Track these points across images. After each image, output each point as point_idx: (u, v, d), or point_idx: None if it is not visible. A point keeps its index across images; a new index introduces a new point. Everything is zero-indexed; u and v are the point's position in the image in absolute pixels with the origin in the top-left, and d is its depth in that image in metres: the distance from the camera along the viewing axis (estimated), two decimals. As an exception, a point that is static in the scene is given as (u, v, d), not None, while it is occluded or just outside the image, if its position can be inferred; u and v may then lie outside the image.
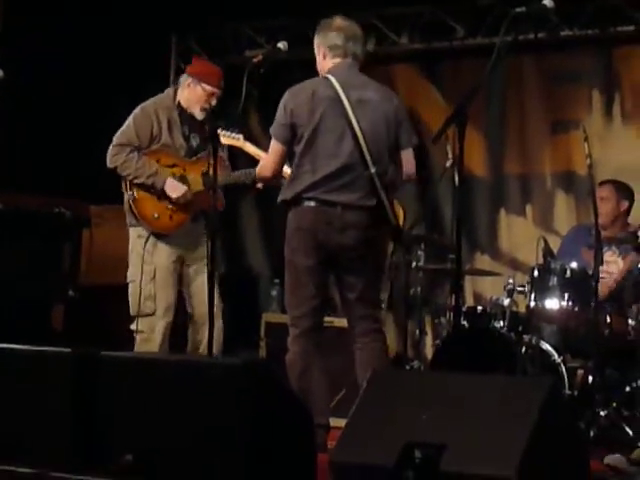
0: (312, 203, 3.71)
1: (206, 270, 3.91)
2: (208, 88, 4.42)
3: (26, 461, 2.90)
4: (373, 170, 3.69)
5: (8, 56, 5.05)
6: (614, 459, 3.49)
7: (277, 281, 5.80)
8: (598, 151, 5.23)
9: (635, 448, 3.66)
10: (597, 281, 4.27)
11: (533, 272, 4.68)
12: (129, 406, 2.90)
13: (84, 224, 5.18)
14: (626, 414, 4.28)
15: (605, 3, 5.65)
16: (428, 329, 5.93)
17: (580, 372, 4.60)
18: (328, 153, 3.71)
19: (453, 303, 3.92)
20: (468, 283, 6.08)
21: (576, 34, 5.81)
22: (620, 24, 5.72)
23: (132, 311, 4.42)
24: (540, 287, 4.60)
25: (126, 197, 4.44)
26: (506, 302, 4.85)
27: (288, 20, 6.11)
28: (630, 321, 4.53)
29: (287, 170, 3.90)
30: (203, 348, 4.33)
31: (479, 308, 5.09)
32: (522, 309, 4.88)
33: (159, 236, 4.41)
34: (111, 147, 4.42)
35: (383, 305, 4.96)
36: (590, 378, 4.40)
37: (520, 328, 4.76)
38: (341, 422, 2.87)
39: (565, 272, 4.57)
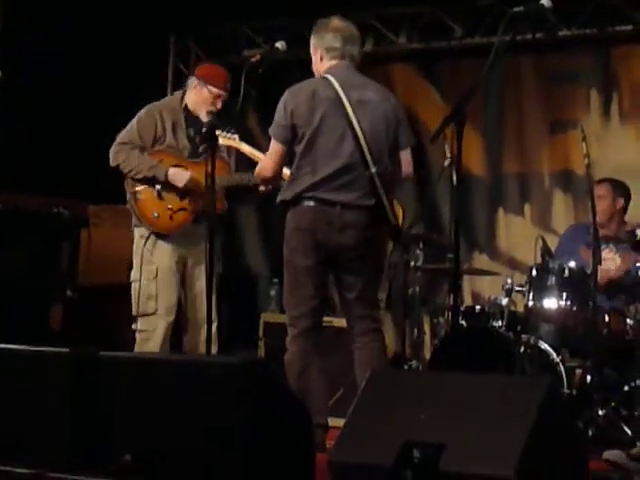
0: (311, 203, 3.70)
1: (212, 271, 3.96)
2: (214, 90, 4.44)
3: (25, 461, 2.89)
4: (374, 170, 3.69)
5: (8, 56, 5.05)
6: (613, 454, 3.49)
7: (276, 281, 5.80)
8: (596, 151, 5.24)
9: (634, 447, 3.65)
10: (595, 281, 4.28)
11: (531, 271, 4.68)
12: (128, 406, 2.90)
13: (82, 224, 5.18)
14: (624, 413, 4.28)
15: (603, 3, 5.65)
16: (426, 329, 5.93)
17: (578, 371, 4.60)
18: (329, 153, 3.71)
19: (451, 303, 3.90)
20: (466, 283, 6.08)
21: (574, 34, 5.81)
22: (618, 24, 5.73)
23: (134, 311, 4.43)
24: (538, 286, 4.61)
25: (128, 196, 4.46)
26: (504, 302, 4.85)
27: (286, 20, 6.11)
28: (628, 320, 4.53)
29: (286, 171, 3.90)
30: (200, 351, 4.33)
31: (477, 308, 5.09)
32: (520, 309, 4.88)
33: (160, 236, 4.42)
34: (113, 145, 4.45)
35: (381, 305, 4.96)
36: (588, 377, 4.39)
37: (518, 328, 4.75)
38: (339, 422, 2.87)
39: (563, 271, 4.57)
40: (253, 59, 3.91)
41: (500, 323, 4.81)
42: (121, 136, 4.44)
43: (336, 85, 3.72)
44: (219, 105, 4.44)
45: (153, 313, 4.39)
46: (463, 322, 4.89)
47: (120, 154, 4.40)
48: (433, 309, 5.96)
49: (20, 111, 5.68)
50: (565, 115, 6.01)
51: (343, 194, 3.70)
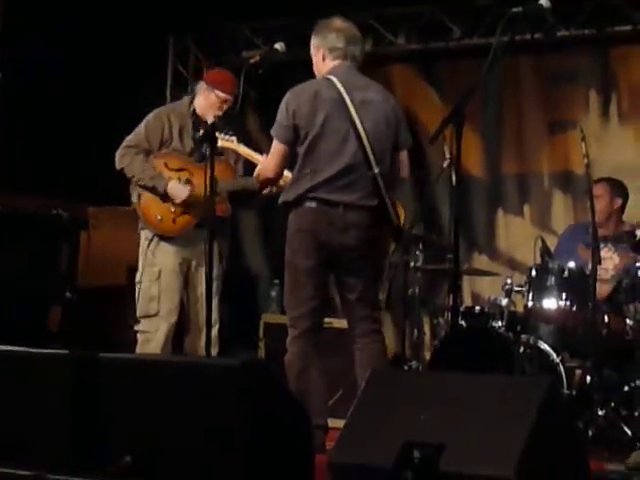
0: (314, 203, 3.70)
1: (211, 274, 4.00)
2: (221, 95, 4.46)
3: (25, 463, 2.89)
4: (376, 170, 3.70)
5: (8, 56, 5.05)
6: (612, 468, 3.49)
7: (276, 282, 5.80)
8: (595, 151, 5.23)
9: (632, 450, 3.65)
10: (595, 281, 4.28)
11: (531, 272, 4.68)
12: (128, 407, 2.89)
13: (82, 226, 5.18)
14: (624, 414, 4.27)
15: (602, 3, 5.65)
16: (426, 329, 5.93)
17: (578, 372, 4.59)
18: (332, 154, 3.70)
19: (451, 303, 3.90)
20: (466, 283, 6.08)
21: (573, 34, 5.81)
22: (617, 24, 5.72)
23: (137, 312, 4.47)
24: (538, 287, 4.60)
25: (134, 199, 4.50)
26: (504, 302, 4.85)
27: (286, 21, 6.11)
28: (628, 321, 4.53)
29: (287, 174, 3.90)
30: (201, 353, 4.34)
31: (477, 308, 5.09)
32: (520, 309, 4.87)
33: (163, 238, 4.46)
34: (120, 148, 4.49)
35: (381, 305, 4.96)
36: (588, 378, 4.39)
37: (518, 328, 4.75)
38: (339, 423, 2.86)
39: (563, 272, 4.57)
40: (252, 60, 3.91)
41: (500, 323, 4.81)
42: (128, 139, 4.49)
43: (339, 86, 3.72)
44: (225, 109, 4.48)
45: (155, 314, 4.42)
46: (463, 322, 4.89)
47: (125, 157, 4.45)
48: (433, 309, 5.96)
49: (20, 112, 5.69)
50: (564, 115, 6.01)
51: (346, 194, 3.70)
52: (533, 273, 4.65)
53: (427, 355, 5.66)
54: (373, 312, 3.85)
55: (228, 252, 4.79)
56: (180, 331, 4.53)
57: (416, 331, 5.51)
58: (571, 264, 4.59)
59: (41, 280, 4.97)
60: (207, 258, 3.64)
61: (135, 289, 4.51)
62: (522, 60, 6.10)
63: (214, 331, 4.39)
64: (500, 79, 6.07)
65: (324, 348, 3.86)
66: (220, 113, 4.43)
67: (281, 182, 4.01)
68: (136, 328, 4.47)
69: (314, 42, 3.88)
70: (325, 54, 3.83)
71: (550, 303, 4.57)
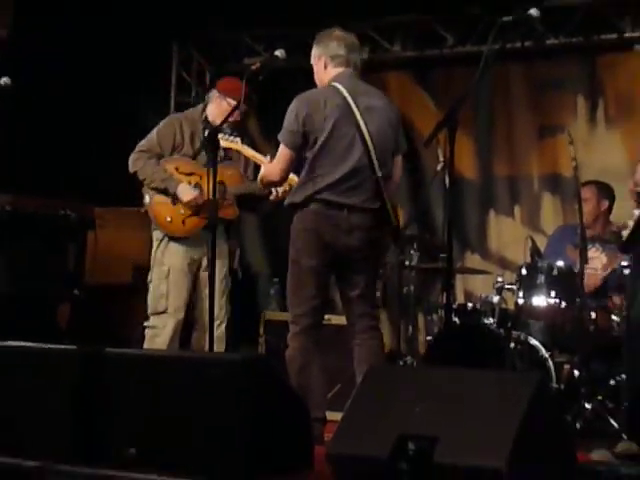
0: (320, 205, 3.71)
1: (220, 276, 4.27)
2: (233, 103, 4.46)
3: (32, 453, 2.89)
4: (379, 174, 3.71)
5: (16, 63, 5.04)
6: (600, 455, 3.48)
7: (276, 280, 5.79)
8: (583, 154, 5.23)
9: (619, 440, 3.65)
10: (582, 279, 4.27)
11: (521, 270, 4.67)
12: (133, 400, 2.89)
13: (89, 226, 5.18)
14: (611, 407, 4.28)
15: (589, 12, 5.65)
16: (421, 326, 5.93)
17: (567, 366, 4.59)
18: (339, 158, 3.71)
19: (444, 301, 3.90)
20: (459, 281, 6.08)
21: (561, 42, 5.81)
22: (604, 33, 5.73)
23: (148, 309, 4.52)
24: (528, 285, 4.60)
25: (147, 201, 4.54)
26: (495, 299, 4.85)
27: (286, 29, 6.10)
28: (614, 317, 4.54)
29: (292, 177, 3.90)
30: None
31: (469, 305, 5.09)
32: (511, 306, 4.87)
33: (173, 239, 4.50)
34: (133, 153, 4.54)
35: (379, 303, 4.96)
36: (576, 372, 4.40)
37: (509, 324, 4.75)
38: (337, 415, 2.86)
39: (552, 270, 4.57)
40: (253, 67, 3.91)
41: (491, 320, 4.81)
42: (141, 144, 4.54)
43: (345, 93, 3.73)
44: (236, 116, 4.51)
45: (164, 311, 4.46)
46: (456, 319, 4.89)
47: (138, 162, 4.50)
48: (427, 307, 5.96)
49: (31, 119, 5.69)
50: (553, 120, 6.01)
51: (350, 197, 3.71)
52: (523, 272, 4.65)
53: (422, 351, 5.66)
54: (372, 309, 3.85)
55: (240, 251, 4.86)
56: (188, 328, 4.55)
57: (411, 328, 5.51)
58: (560, 263, 4.60)
59: (50, 278, 4.97)
60: (210, 255, 3.65)
61: (143, 287, 4.56)
62: (513, 67, 6.10)
63: (221, 328, 4.43)
64: (492, 86, 6.06)
65: (323, 344, 3.86)
66: (231, 120, 4.47)
67: (286, 186, 4.04)
68: (145, 324, 4.52)
69: (315, 51, 3.88)
70: (327, 62, 3.83)
71: (540, 300, 4.56)
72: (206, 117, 4.57)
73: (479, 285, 5.91)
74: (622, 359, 3.92)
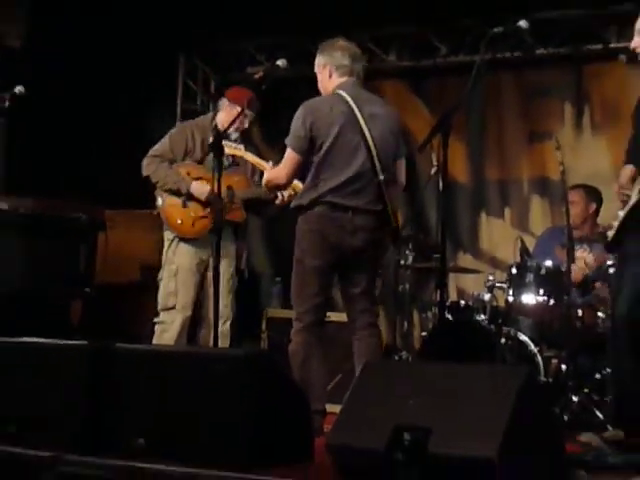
0: (326, 207, 3.71)
1: (227, 275, 4.34)
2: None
3: (44, 444, 2.89)
4: (382, 177, 3.72)
5: (29, 70, 5.05)
6: (587, 437, 3.48)
7: (278, 279, 5.79)
8: (570, 159, 5.24)
9: (605, 430, 3.65)
10: (569, 278, 4.28)
11: (511, 269, 4.68)
12: (142, 393, 2.90)
13: (100, 227, 5.19)
14: (597, 399, 4.28)
15: (576, 24, 5.66)
16: (416, 322, 5.94)
17: (554, 361, 4.59)
18: (344, 163, 3.72)
19: (438, 298, 3.91)
20: (452, 280, 6.08)
21: (549, 52, 5.82)
22: (590, 43, 5.74)
23: (158, 305, 4.55)
24: (517, 283, 4.61)
25: (157, 203, 4.56)
26: (487, 297, 4.85)
27: (288, 39, 6.10)
28: (600, 314, 4.54)
29: (298, 184, 3.91)
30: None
31: (462, 303, 5.09)
32: (501, 303, 4.87)
33: (183, 240, 4.54)
34: (145, 158, 4.56)
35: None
36: (563, 366, 4.40)
37: (500, 321, 4.75)
38: (336, 408, 2.86)
39: (540, 269, 4.58)
40: (256, 76, 3.92)
41: (483, 317, 4.81)
42: (154, 149, 4.56)
43: (350, 100, 3.74)
44: (246, 124, 4.54)
45: (172, 307, 4.50)
46: (449, 316, 4.90)
47: (151, 166, 4.53)
48: (421, 304, 5.96)
49: (46, 124, 5.70)
50: (542, 127, 6.02)
51: (355, 200, 3.72)
52: (513, 271, 4.66)
53: (416, 346, 5.67)
54: (372, 306, 3.86)
55: (247, 252, 4.88)
56: (195, 326, 4.57)
57: (406, 324, 5.51)
58: (548, 263, 4.60)
59: (62, 277, 4.98)
60: (214, 253, 3.66)
61: (151, 285, 4.59)
62: (503, 76, 6.11)
63: (226, 325, 4.45)
64: (483, 93, 6.07)
65: (324, 340, 3.86)
66: (241, 127, 4.50)
67: (291, 191, 4.05)
68: (155, 320, 4.55)
69: (320, 60, 3.87)
70: (332, 71, 3.83)
71: (529, 298, 4.57)
72: (216, 125, 4.58)
73: (471, 283, 5.92)
74: (607, 354, 3.93)
